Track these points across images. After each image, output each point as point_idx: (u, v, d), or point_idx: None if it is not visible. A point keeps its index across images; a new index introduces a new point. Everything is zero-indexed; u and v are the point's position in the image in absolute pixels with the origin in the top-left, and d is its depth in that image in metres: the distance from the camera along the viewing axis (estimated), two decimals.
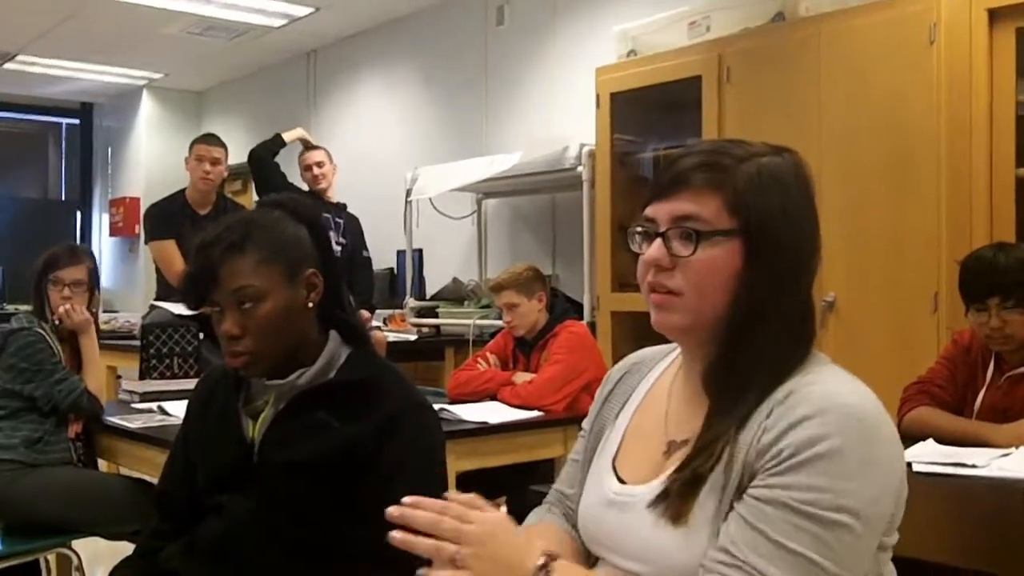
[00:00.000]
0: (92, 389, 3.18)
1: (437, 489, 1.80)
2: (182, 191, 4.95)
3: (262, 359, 1.74)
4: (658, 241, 1.25)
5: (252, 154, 5.26)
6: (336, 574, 1.68)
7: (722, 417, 1.21)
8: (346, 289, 1.94)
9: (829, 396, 1.16)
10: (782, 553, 1.10)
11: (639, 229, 1.29)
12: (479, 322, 5.25)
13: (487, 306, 5.45)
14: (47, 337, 3.20)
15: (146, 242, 4.96)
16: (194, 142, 4.97)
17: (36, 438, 3.12)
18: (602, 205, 4.70)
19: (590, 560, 1.38)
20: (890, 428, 1.18)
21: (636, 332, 4.69)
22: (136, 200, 9.03)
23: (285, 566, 1.72)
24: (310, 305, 1.78)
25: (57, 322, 3.23)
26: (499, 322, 5.16)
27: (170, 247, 4.74)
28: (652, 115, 4.81)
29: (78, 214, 10.15)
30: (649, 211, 1.28)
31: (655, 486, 1.24)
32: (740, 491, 1.16)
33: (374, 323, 5.38)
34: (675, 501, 1.20)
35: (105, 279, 9.36)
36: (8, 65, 8.22)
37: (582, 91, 5.25)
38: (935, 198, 3.49)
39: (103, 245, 9.81)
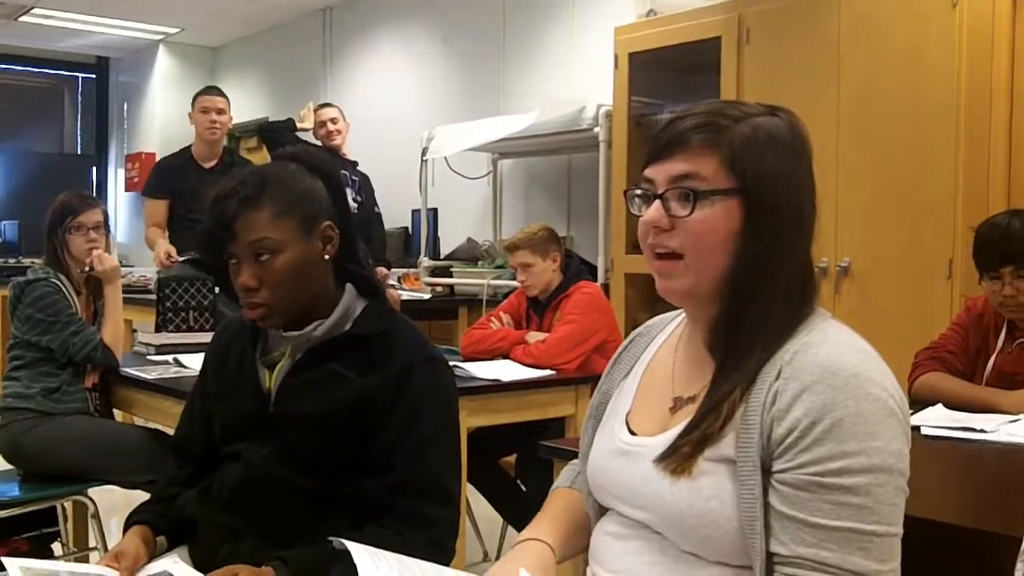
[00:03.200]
0: (108, 340, 3.20)
1: (449, 442, 1.83)
2: (188, 147, 5.01)
3: (279, 311, 1.75)
4: (656, 203, 1.26)
5: (263, 127, 5.32)
6: (349, 524, 1.70)
7: (728, 377, 1.23)
8: (361, 243, 1.94)
9: (836, 357, 1.17)
10: (827, 534, 1.12)
11: (638, 192, 1.30)
12: (493, 282, 5.26)
13: (501, 266, 5.46)
14: (63, 288, 3.21)
15: (141, 194, 5.03)
16: (197, 95, 5.03)
17: (53, 388, 3.16)
18: (618, 167, 4.68)
19: (597, 516, 1.41)
20: (892, 379, 1.20)
21: (650, 294, 4.69)
22: (152, 155, 9.02)
23: (299, 514, 1.74)
24: (326, 257, 1.79)
25: (87, 269, 3.24)
26: (513, 282, 5.18)
27: (156, 207, 4.89)
28: (670, 76, 4.78)
29: (94, 169, 10.17)
30: (647, 172, 1.28)
31: (663, 440, 1.27)
32: (766, 460, 1.17)
33: (391, 280, 5.41)
34: (682, 456, 1.22)
35: (120, 234, 9.41)
36: (24, 18, 8.19)
37: (600, 51, 5.22)
38: (953, 163, 3.47)
39: (118, 200, 9.84)
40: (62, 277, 3.23)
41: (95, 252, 3.24)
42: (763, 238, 1.23)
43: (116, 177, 9.86)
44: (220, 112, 4.90)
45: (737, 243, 1.23)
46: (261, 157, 8.37)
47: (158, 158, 8.82)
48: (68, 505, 3.38)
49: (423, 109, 6.68)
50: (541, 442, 2.24)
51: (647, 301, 4.67)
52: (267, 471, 1.76)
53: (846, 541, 1.11)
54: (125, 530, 1.86)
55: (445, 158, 5.76)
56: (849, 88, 3.77)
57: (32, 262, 8.85)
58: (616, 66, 4.69)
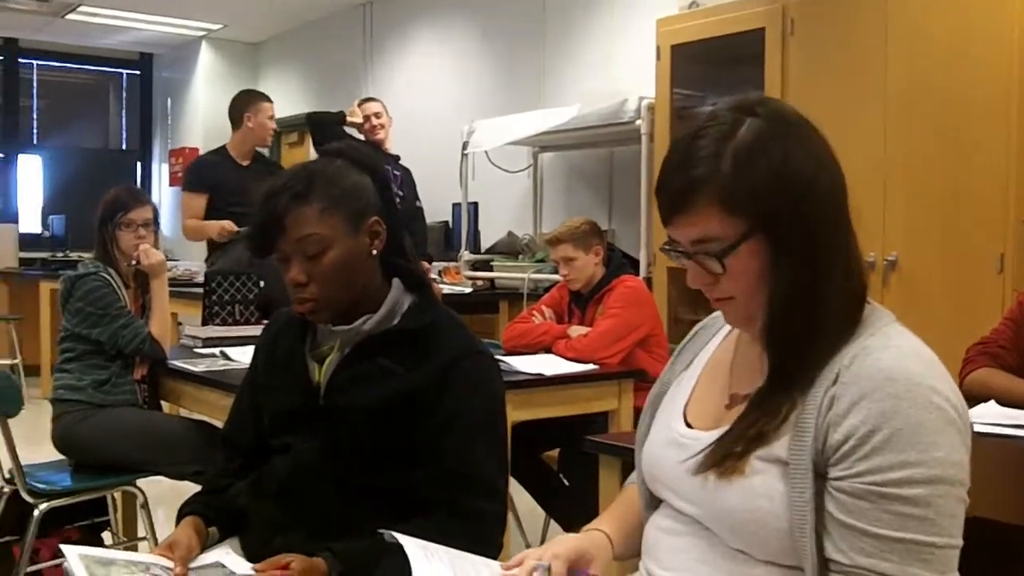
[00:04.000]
0: (156, 333, 3.24)
1: (495, 437, 1.84)
2: (223, 146, 5.19)
3: (328, 305, 1.77)
4: (692, 265, 1.27)
5: (312, 116, 5.37)
6: (396, 517, 1.71)
7: (785, 378, 1.23)
8: (408, 237, 1.95)
9: (897, 363, 1.16)
10: (888, 544, 1.11)
11: (670, 249, 1.30)
12: (534, 276, 5.26)
13: (542, 260, 5.46)
14: (112, 282, 3.25)
15: (181, 190, 5.15)
16: (259, 99, 5.16)
17: (103, 380, 3.20)
18: (660, 159, 4.65)
19: (649, 507, 1.41)
20: (953, 387, 1.17)
21: (693, 288, 4.66)
22: (195, 150, 9.11)
23: (347, 507, 1.76)
24: (373, 253, 1.80)
25: (134, 263, 3.28)
26: (554, 276, 5.19)
27: (194, 201, 5.01)
28: (712, 68, 4.75)
29: (138, 164, 10.29)
30: (669, 232, 1.29)
31: (717, 435, 1.27)
32: (819, 464, 1.17)
33: (432, 275, 5.44)
34: (734, 454, 1.22)
35: (165, 227, 9.48)
36: (70, 16, 8.30)
37: (641, 43, 5.20)
38: (1004, 155, 3.42)
39: (163, 194, 9.95)
40: (111, 271, 3.27)
41: (142, 247, 3.29)
42: (797, 254, 1.21)
43: (160, 172, 9.98)
44: (272, 118, 5.13)
45: (776, 270, 1.22)
46: (301, 152, 8.44)
47: (202, 153, 8.98)
48: (117, 495, 3.44)
49: (463, 103, 6.69)
50: (587, 437, 2.24)
51: (690, 295, 4.63)
52: (315, 464, 1.78)
53: (907, 552, 1.10)
54: (177, 521, 1.88)
55: (485, 152, 5.77)
56: (896, 78, 3.73)
57: (79, 256, 9.00)
58: (658, 58, 4.68)
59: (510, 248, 5.76)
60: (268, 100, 5.19)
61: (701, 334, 1.51)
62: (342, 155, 1.84)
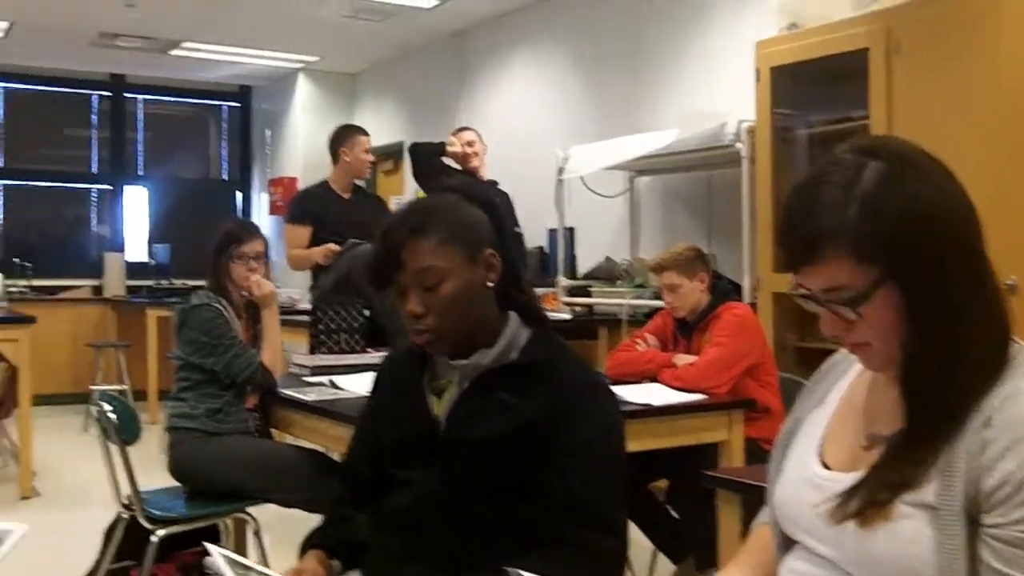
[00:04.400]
0: (267, 363, 3.31)
1: (613, 475, 1.82)
2: (325, 180, 5.28)
3: (444, 337, 1.79)
4: (824, 312, 1.25)
5: (414, 147, 5.44)
6: (516, 551, 1.71)
7: (927, 422, 1.19)
8: (524, 270, 1.96)
9: None
10: None
11: (800, 295, 1.27)
12: (632, 302, 5.22)
13: (641, 285, 5.42)
14: (225, 312, 3.33)
15: (284, 222, 5.25)
16: (355, 133, 5.25)
17: (216, 408, 3.28)
18: (763, 183, 4.60)
19: (781, 548, 1.38)
20: None
21: (799, 314, 4.59)
22: (294, 180, 9.30)
23: (467, 541, 1.76)
24: (489, 285, 1.81)
25: (245, 295, 3.36)
26: (653, 302, 5.15)
27: (298, 232, 5.09)
28: (814, 89, 4.68)
29: (238, 194, 10.53)
30: (796, 279, 1.26)
31: (857, 476, 1.24)
32: (971, 510, 1.13)
33: None
34: (878, 498, 1.19)
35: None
36: (174, 52, 8.57)
37: (738, 66, 5.15)
38: None
39: (262, 223, 10.09)
40: (223, 301, 3.35)
41: (253, 278, 3.36)
42: (932, 297, 1.18)
43: (260, 201, 10.17)
44: (368, 151, 5.22)
45: (911, 315, 1.19)
46: (397, 179, 8.57)
47: (300, 182, 9.15)
48: (230, 522, 3.49)
49: (556, 128, 6.71)
50: (704, 471, 2.21)
51: (796, 321, 4.57)
52: (435, 497, 1.78)
53: None
54: (302, 552, 1.91)
55: (581, 177, 5.76)
56: (1009, 97, 3.62)
57: (183, 283, 9.26)
58: (758, 80, 4.62)
59: (608, 273, 5.73)
60: (363, 134, 5.27)
61: (834, 369, 1.48)
62: (455, 190, 1.87)
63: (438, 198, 1.87)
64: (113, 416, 3.11)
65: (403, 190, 8.28)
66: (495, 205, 1.90)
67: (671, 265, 3.64)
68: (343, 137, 5.22)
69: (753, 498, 2.10)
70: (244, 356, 3.27)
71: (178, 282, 9.32)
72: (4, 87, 9.49)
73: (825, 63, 4.38)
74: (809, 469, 1.33)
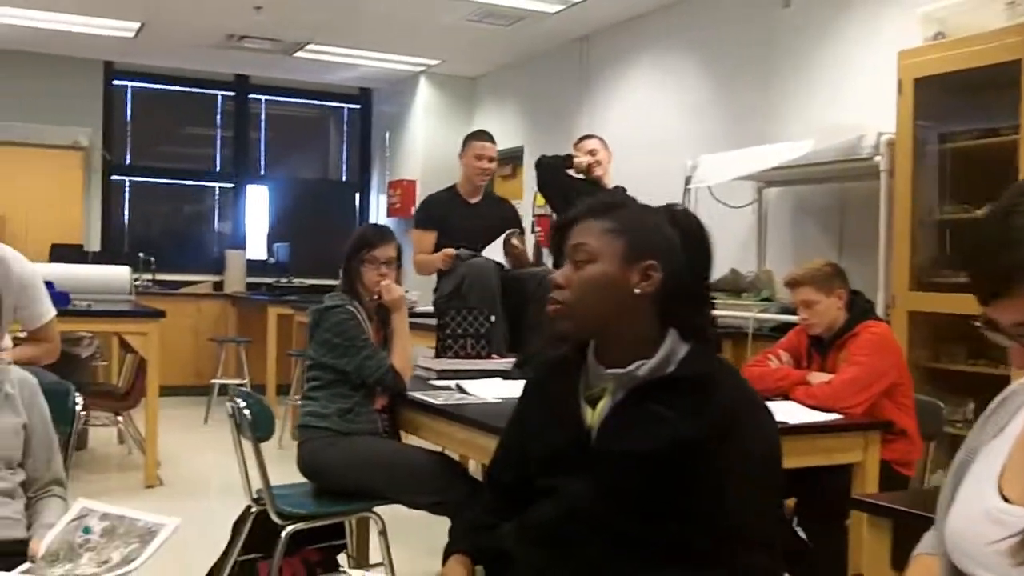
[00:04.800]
0: (398, 366, 3.32)
1: (772, 494, 1.77)
2: (454, 185, 5.27)
3: (572, 315, 1.79)
4: (1015, 347, 1.21)
5: (540, 161, 5.40)
6: (666, 569, 1.67)
7: None
8: (708, 297, 1.94)
9: None
10: None
11: (985, 327, 1.24)
12: (758, 315, 5.11)
13: (767, 299, 5.31)
14: (358, 314, 3.36)
15: (413, 227, 5.29)
16: (470, 138, 5.23)
17: (347, 408, 3.30)
18: (902, 197, 4.45)
19: None
20: None
21: (936, 333, 4.44)
22: (412, 183, 9.38)
23: (615, 555, 1.73)
24: (637, 292, 1.77)
25: (376, 298, 3.38)
26: (779, 316, 5.04)
27: (424, 237, 5.08)
28: (958, 101, 4.51)
29: (357, 195, 10.67)
30: (986, 311, 1.22)
31: None
32: None
33: None
34: None
35: None
36: (299, 53, 8.72)
37: (876, 76, 5.01)
38: None
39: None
40: (356, 304, 3.37)
41: (383, 283, 3.38)
42: None
43: (378, 203, 10.29)
44: (491, 160, 5.15)
45: None
46: (515, 185, 8.57)
47: (419, 185, 9.24)
48: (353, 519, 3.52)
49: (683, 136, 6.62)
50: (852, 495, 2.13)
51: (933, 340, 4.41)
52: (584, 509, 1.75)
53: None
54: (445, 557, 1.91)
55: (708, 187, 5.67)
56: None
57: (301, 282, 9.45)
58: (900, 91, 4.48)
59: (733, 286, 5.62)
60: (480, 139, 5.21)
61: (1014, 399, 1.40)
62: (665, 210, 1.87)
63: (634, 202, 1.88)
64: (248, 413, 3.16)
65: (521, 195, 8.26)
66: (699, 237, 1.89)
67: (808, 281, 3.54)
68: (464, 142, 5.23)
69: (902, 525, 2.03)
70: (375, 358, 3.29)
71: (296, 281, 9.51)
72: (132, 86, 9.79)
73: (973, 74, 4.22)
74: (988, 502, 1.28)
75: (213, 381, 8.11)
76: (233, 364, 8.51)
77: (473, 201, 5.16)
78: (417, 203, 9.12)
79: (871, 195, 4.82)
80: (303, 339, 8.09)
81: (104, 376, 7.49)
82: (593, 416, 1.81)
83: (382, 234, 3.47)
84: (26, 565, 2.04)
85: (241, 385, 7.99)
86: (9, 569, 2.01)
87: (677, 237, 1.81)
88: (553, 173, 5.21)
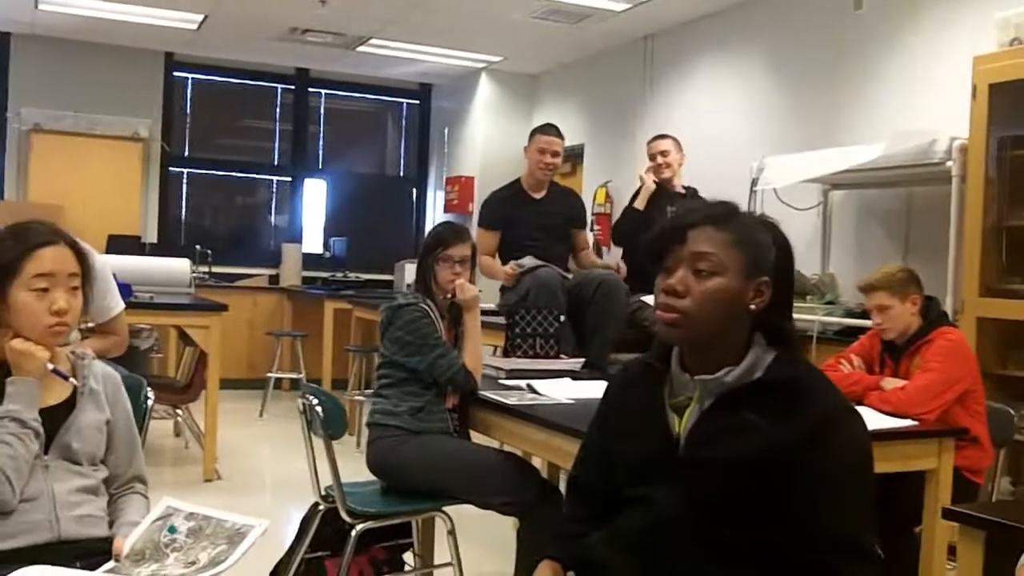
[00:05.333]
0: (469, 365, 3.33)
1: (866, 502, 1.76)
2: (518, 179, 5.15)
3: (689, 324, 1.75)
4: None
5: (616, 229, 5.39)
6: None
7: None
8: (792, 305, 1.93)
9: None
10: None
11: None
12: (823, 319, 5.06)
13: (831, 302, 5.25)
14: (431, 313, 3.36)
15: (478, 226, 5.18)
16: (536, 132, 5.09)
17: (418, 407, 3.31)
18: (973, 203, 4.39)
19: None
20: None
21: (1005, 340, 4.38)
22: (471, 179, 9.39)
23: (707, 565, 1.73)
24: (751, 307, 1.77)
25: (449, 297, 3.39)
26: (844, 320, 4.99)
27: (489, 238, 4.97)
28: None
29: (414, 190, 10.69)
30: None
31: None
32: None
33: None
34: None
35: None
36: (361, 48, 8.75)
37: (948, 81, 4.95)
38: None
39: (436, 220, 10.27)
40: (430, 303, 3.38)
41: (457, 282, 3.38)
42: None
43: (435, 198, 10.30)
44: (555, 155, 4.98)
45: None
46: (574, 182, 8.54)
47: (477, 181, 9.25)
48: (420, 519, 3.53)
49: (748, 137, 6.56)
50: (951, 507, 2.11)
51: (1003, 347, 4.35)
52: (675, 518, 1.76)
53: None
54: (533, 564, 1.91)
55: (774, 188, 5.62)
56: None
57: (357, 276, 9.50)
58: (974, 97, 4.41)
59: (798, 288, 5.55)
60: (546, 132, 5.06)
61: None
62: (762, 223, 1.86)
63: (742, 211, 1.85)
64: (320, 410, 3.18)
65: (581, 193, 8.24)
66: (788, 249, 1.87)
67: (883, 286, 3.51)
68: (530, 136, 5.10)
69: (997, 536, 2.01)
70: (448, 357, 3.30)
71: (352, 275, 9.57)
72: (192, 78, 9.88)
73: None
74: None
75: (268, 375, 8.19)
76: (288, 358, 8.59)
77: (538, 196, 5.04)
78: (476, 200, 9.25)
79: (939, 200, 4.75)
80: (361, 334, 8.19)
81: (160, 368, 7.56)
82: (680, 424, 1.81)
83: (457, 233, 3.47)
84: (110, 564, 2.04)
85: (296, 379, 8.08)
86: (93, 568, 2.01)
87: (777, 251, 1.81)
88: (632, 227, 5.15)
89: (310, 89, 10.25)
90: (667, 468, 1.79)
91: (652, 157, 5.23)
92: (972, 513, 2.05)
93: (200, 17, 8.05)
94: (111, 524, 2.23)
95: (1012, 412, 3.64)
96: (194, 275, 7.09)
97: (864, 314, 4.17)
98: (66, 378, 2.21)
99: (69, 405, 2.21)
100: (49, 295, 2.13)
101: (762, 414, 1.73)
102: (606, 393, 2.03)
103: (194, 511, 2.09)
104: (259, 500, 5.46)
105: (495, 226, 5.00)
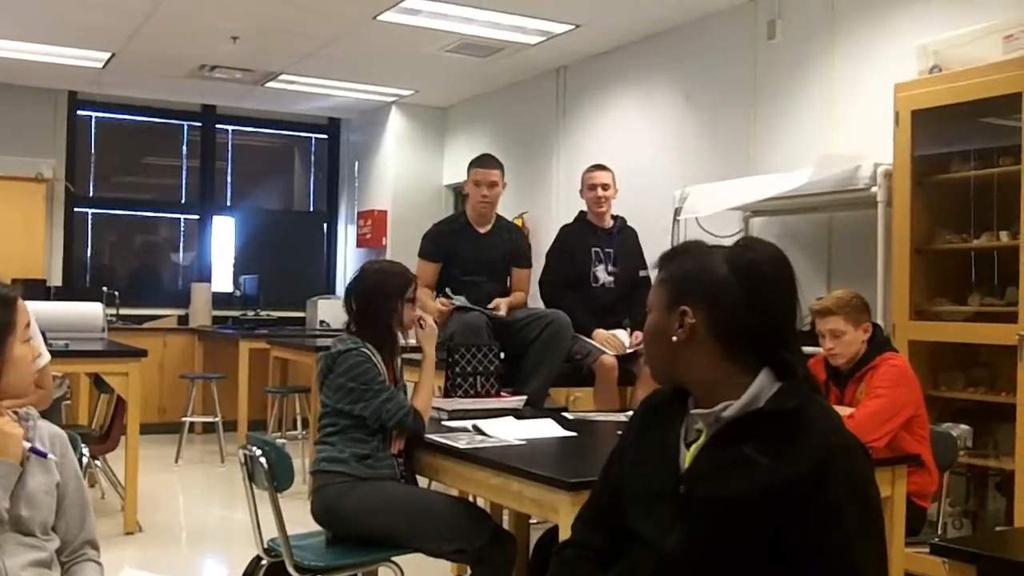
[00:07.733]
0: (420, 406, 3.26)
1: (879, 541, 1.71)
2: (463, 212, 5.05)
3: (651, 367, 1.91)
4: None
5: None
6: None
7: None
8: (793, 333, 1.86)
9: None
10: None
11: None
12: None
13: None
14: (372, 356, 3.26)
15: (417, 255, 4.99)
16: (471, 164, 4.99)
17: (364, 454, 3.21)
18: (900, 228, 4.46)
19: None
20: None
21: (935, 361, 4.46)
22: (384, 212, 9.27)
23: None
24: (674, 339, 1.77)
25: (411, 334, 3.40)
26: None
27: (428, 268, 4.83)
28: (957, 134, 4.54)
29: (325, 225, 10.51)
30: None
31: None
32: None
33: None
34: None
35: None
36: (270, 84, 8.60)
37: (870, 108, 5.03)
38: None
39: (348, 256, 10.14)
40: (369, 346, 3.28)
41: (432, 318, 3.55)
42: None
43: (347, 233, 10.15)
44: (492, 185, 4.85)
45: None
46: None
47: (390, 215, 9.14)
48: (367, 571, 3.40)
49: (666, 167, 6.59)
50: (933, 541, 2.08)
51: (933, 369, 4.43)
52: (677, 559, 1.71)
53: None
54: None
55: (696, 217, 5.64)
56: None
57: (268, 314, 9.28)
58: (897, 123, 4.50)
59: None
60: (477, 163, 4.96)
61: None
62: (743, 247, 1.82)
63: (705, 247, 1.84)
64: (264, 462, 3.05)
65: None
66: (758, 271, 1.78)
67: (839, 311, 3.54)
68: (467, 169, 4.99)
69: (989, 570, 1.98)
70: (394, 400, 3.21)
71: (264, 313, 9.34)
72: (96, 116, 9.59)
73: (970, 107, 4.26)
74: None
75: (184, 419, 7.91)
76: (201, 401, 8.32)
77: (482, 230, 4.90)
78: (389, 234, 9.12)
79: (862, 225, 4.83)
80: (281, 375, 7.97)
81: (69, 417, 7.23)
82: (687, 459, 1.78)
83: (411, 272, 3.49)
84: None
85: (212, 422, 7.83)
86: None
87: (732, 276, 1.75)
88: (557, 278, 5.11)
89: (217, 125, 10.02)
90: (668, 504, 1.76)
91: (592, 188, 5.13)
92: (962, 548, 2.02)
93: (106, 56, 7.81)
94: None
95: (955, 435, 3.69)
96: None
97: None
98: (44, 456, 2.06)
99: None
100: (29, 345, 2.11)
101: (762, 450, 1.69)
102: (629, 422, 2.02)
103: None
104: (183, 553, 5.23)
105: (436, 258, 4.85)
